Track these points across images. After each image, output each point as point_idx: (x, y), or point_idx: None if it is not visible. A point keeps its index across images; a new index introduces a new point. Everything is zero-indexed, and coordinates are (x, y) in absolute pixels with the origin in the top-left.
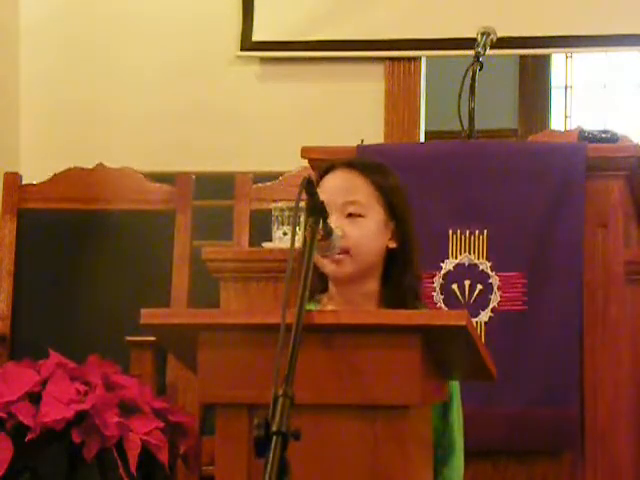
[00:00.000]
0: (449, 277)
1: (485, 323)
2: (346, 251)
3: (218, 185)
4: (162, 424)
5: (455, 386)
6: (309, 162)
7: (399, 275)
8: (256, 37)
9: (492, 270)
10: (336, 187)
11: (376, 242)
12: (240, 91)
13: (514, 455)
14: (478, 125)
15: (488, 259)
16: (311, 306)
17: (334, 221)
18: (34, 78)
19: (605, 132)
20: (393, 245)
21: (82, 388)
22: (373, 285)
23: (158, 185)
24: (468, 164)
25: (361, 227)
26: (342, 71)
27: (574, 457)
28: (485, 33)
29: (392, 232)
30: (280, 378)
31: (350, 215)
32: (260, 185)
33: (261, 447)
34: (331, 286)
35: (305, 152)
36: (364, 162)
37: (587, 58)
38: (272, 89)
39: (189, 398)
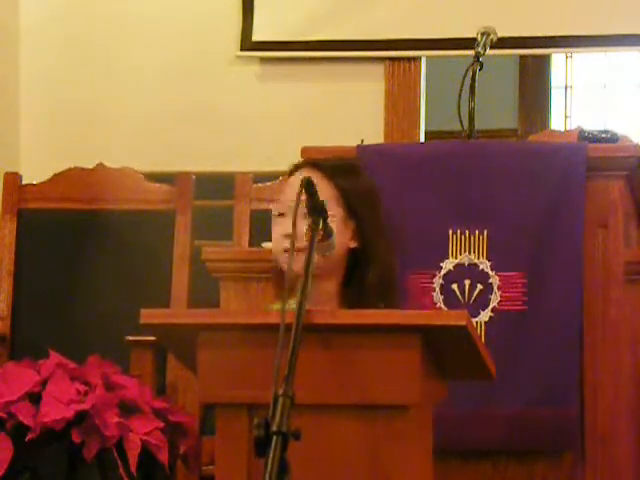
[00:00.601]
0: (449, 277)
1: (485, 323)
2: (301, 249)
3: (218, 185)
4: (162, 424)
5: None
6: None
7: (360, 274)
8: (256, 37)
9: (492, 270)
10: (296, 187)
11: None
12: (240, 91)
13: (514, 455)
14: (478, 125)
15: (488, 259)
16: (278, 305)
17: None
18: (34, 78)
19: (605, 132)
20: (354, 245)
21: (82, 388)
22: (334, 283)
23: (158, 185)
24: (468, 164)
25: None
26: (342, 71)
27: (574, 457)
28: (485, 33)
29: (352, 232)
30: (280, 378)
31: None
32: (260, 185)
33: (261, 447)
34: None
35: (305, 152)
36: (329, 163)
37: (587, 58)
38: (272, 89)
39: (189, 398)
